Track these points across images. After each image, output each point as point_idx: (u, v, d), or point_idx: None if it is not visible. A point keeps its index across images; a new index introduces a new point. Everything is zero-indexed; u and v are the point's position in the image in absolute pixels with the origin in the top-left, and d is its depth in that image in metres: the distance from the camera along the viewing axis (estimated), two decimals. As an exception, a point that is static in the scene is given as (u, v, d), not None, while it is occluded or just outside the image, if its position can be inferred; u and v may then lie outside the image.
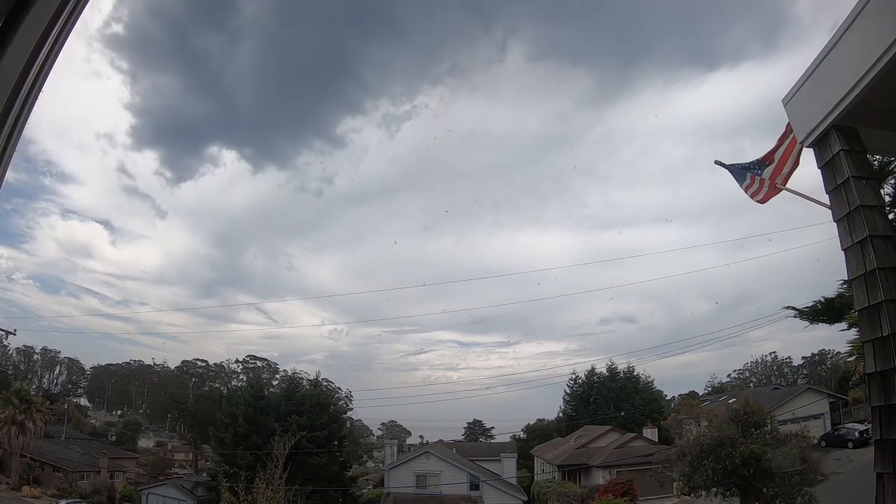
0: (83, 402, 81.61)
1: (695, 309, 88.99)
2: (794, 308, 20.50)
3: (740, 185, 7.94)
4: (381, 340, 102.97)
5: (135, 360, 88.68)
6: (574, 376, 54.69)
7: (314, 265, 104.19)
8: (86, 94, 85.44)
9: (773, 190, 7.38)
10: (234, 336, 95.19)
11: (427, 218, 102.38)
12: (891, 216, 11.23)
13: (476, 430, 70.36)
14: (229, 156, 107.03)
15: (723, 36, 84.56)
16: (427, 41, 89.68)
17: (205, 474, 37.38)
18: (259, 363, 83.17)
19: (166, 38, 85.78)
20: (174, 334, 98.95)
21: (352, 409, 68.17)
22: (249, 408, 32.00)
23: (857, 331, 15.14)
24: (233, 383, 76.81)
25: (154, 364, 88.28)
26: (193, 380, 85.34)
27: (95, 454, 42.66)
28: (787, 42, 75.39)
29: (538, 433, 53.54)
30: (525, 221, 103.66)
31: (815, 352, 64.90)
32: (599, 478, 33.28)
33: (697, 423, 29.48)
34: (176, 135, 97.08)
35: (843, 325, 18.73)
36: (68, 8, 1.21)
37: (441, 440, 53.98)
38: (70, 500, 33.62)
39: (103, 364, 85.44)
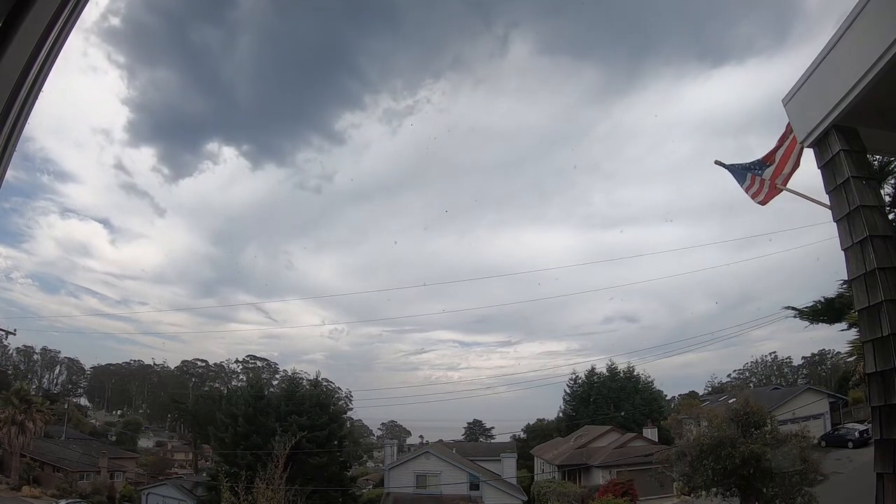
0: (83, 402, 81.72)
1: (698, 308, 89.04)
2: (794, 308, 20.49)
3: (740, 186, 7.94)
4: (382, 340, 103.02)
5: (135, 360, 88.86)
6: (574, 376, 54.81)
7: (314, 264, 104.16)
8: (83, 89, 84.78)
9: (774, 190, 7.38)
10: (234, 336, 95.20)
11: (428, 216, 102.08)
12: (891, 216, 11.23)
13: (476, 430, 70.38)
14: (227, 152, 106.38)
15: (730, 31, 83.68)
16: (428, 34, 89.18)
17: (205, 474, 37.40)
18: (259, 363, 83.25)
19: (163, 31, 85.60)
20: (174, 334, 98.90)
21: (352, 409, 68.24)
22: (249, 408, 32.00)
23: (857, 331, 15.15)
24: (233, 383, 76.87)
25: (154, 364, 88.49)
26: (193, 380, 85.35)
27: (95, 454, 42.66)
28: (796, 38, 74.10)
29: (538, 433, 53.54)
30: (528, 219, 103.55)
31: (815, 352, 65.04)
32: (599, 478, 33.28)
33: (697, 423, 29.48)
34: (173, 130, 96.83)
35: (843, 325, 18.72)
36: (68, 7, 1.21)
37: (441, 440, 53.97)
38: (70, 500, 33.62)
39: (103, 364, 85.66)
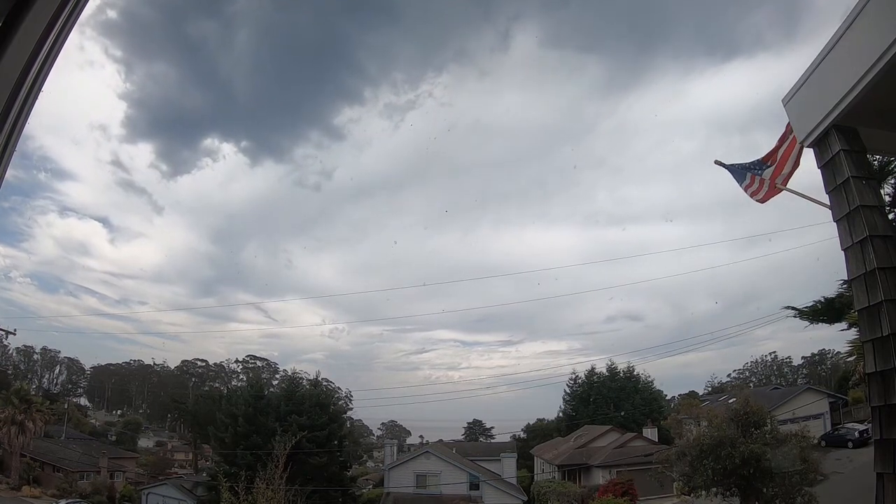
0: (83, 401, 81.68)
1: (702, 307, 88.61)
2: (793, 308, 20.43)
3: (740, 185, 7.94)
4: (383, 339, 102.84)
5: (135, 360, 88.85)
6: (574, 376, 54.83)
7: (314, 262, 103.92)
8: (80, 84, 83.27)
9: (774, 190, 7.37)
10: (234, 336, 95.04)
11: (430, 214, 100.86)
12: (891, 216, 11.22)
13: (476, 429, 70.37)
14: (226, 148, 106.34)
15: (739, 24, 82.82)
16: (428, 27, 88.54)
17: (205, 474, 37.40)
18: (259, 363, 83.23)
19: (161, 24, 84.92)
20: (174, 334, 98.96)
21: (352, 408, 68.26)
22: (249, 408, 32.01)
23: (857, 331, 15.13)
24: (233, 383, 76.86)
25: (154, 364, 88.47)
26: (193, 380, 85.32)
27: (95, 454, 42.66)
28: (806, 32, 72.86)
29: (538, 433, 53.55)
30: (530, 217, 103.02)
31: (815, 352, 65.01)
32: (599, 478, 33.29)
33: (697, 423, 29.49)
34: (171, 126, 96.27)
35: (843, 324, 18.71)
36: (68, 7, 1.21)
37: (441, 440, 53.99)
38: (70, 500, 33.62)
39: (103, 364, 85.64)
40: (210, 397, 53.51)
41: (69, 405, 60.63)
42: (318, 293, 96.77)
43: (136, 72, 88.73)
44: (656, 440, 36.71)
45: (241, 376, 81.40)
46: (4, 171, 1.22)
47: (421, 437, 71.01)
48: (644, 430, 39.11)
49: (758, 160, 7.62)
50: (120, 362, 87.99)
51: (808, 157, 4.79)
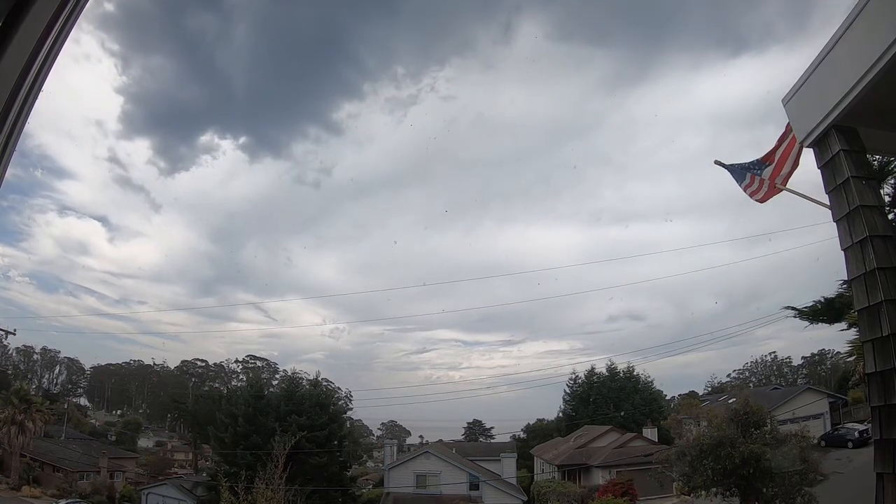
0: (83, 401, 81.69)
1: (703, 307, 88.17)
2: (793, 308, 20.45)
3: (739, 185, 7.94)
4: (383, 339, 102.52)
5: (134, 360, 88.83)
6: (574, 376, 54.83)
7: (314, 261, 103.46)
8: (76, 78, 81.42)
9: (773, 190, 7.38)
10: (234, 335, 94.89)
11: (431, 212, 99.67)
12: (891, 216, 11.22)
13: (476, 430, 70.35)
14: (224, 144, 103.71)
15: (747, 18, 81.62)
16: (428, 19, 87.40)
17: (205, 474, 37.41)
18: (259, 363, 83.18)
19: (158, 17, 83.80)
20: (174, 334, 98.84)
21: (352, 408, 68.17)
22: (249, 408, 32.01)
23: (857, 331, 15.14)
24: (233, 383, 76.84)
25: (154, 364, 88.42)
26: (193, 380, 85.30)
27: (95, 454, 42.66)
28: (817, 26, 72.18)
29: (538, 433, 53.54)
30: (533, 215, 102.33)
31: (815, 352, 65.01)
32: (599, 478, 33.29)
33: (697, 423, 29.49)
34: (168, 122, 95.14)
35: (843, 325, 18.72)
36: (68, 7, 1.21)
37: (441, 440, 53.99)
38: (70, 500, 33.62)
39: (103, 364, 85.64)
40: (210, 397, 53.50)
41: (69, 405, 60.63)
42: (318, 293, 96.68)
43: (133, 66, 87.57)
44: (656, 440, 36.71)
45: (240, 376, 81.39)
46: (4, 170, 1.22)
47: (421, 437, 71.10)
48: (644, 430, 39.11)
49: (757, 160, 7.63)
50: (120, 362, 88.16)
51: (809, 157, 4.79)
